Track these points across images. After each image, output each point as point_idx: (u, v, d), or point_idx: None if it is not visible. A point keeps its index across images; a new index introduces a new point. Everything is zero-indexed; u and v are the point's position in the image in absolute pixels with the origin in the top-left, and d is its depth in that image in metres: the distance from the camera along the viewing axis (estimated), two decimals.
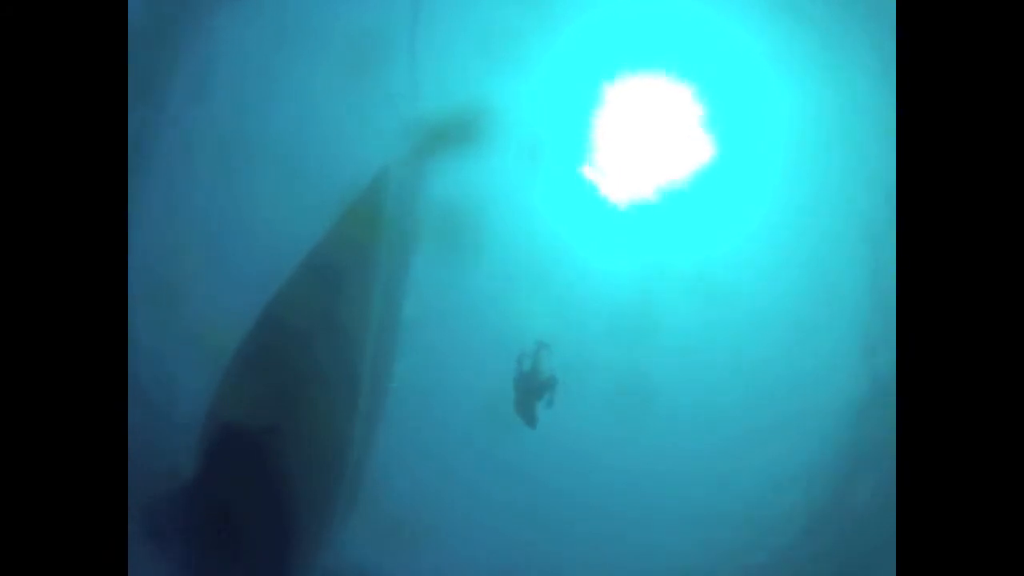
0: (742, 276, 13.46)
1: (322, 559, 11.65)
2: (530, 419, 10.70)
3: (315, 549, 11.27)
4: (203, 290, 12.15)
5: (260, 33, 12.68)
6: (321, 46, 12.93)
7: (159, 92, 11.97)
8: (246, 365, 10.74)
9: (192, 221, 12.62)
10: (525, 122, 13.66)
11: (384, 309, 11.73)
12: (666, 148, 13.58)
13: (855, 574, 11.26)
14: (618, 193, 13.88)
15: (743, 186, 13.59)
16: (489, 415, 13.10)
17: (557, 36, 13.38)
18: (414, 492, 13.02)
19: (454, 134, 12.06)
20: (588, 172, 13.62)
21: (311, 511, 10.80)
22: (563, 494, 12.04)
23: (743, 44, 13.06)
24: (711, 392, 13.19)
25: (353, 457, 11.26)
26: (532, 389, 10.66)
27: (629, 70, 13.45)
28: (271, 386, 10.52)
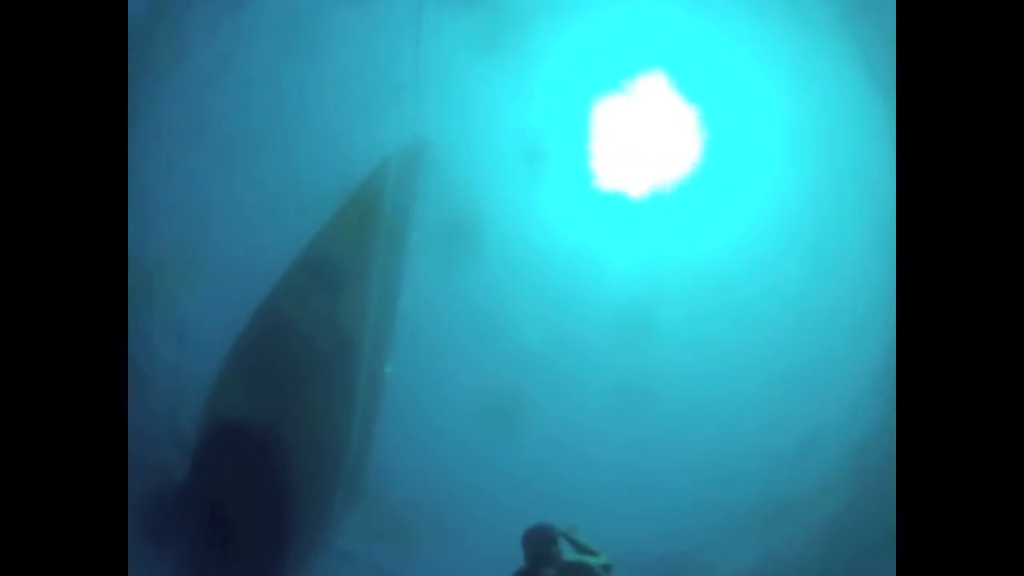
0: (742, 273, 13.46)
1: (320, 556, 11.65)
2: None
3: (313, 546, 11.27)
4: (201, 284, 12.13)
5: (262, 29, 12.66)
6: (322, 42, 12.91)
7: (159, 87, 11.94)
8: (243, 360, 10.72)
9: (190, 214, 12.61)
10: (524, 121, 13.66)
11: (381, 304, 11.71)
12: (665, 146, 13.59)
13: (857, 571, 11.27)
14: (618, 190, 13.88)
15: (742, 182, 13.60)
16: (488, 413, 13.10)
17: (559, 36, 13.39)
18: (413, 490, 13.02)
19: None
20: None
21: (309, 508, 10.79)
22: (562, 493, 12.04)
23: (742, 42, 13.06)
24: (712, 389, 13.18)
25: (351, 454, 11.25)
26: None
27: (628, 70, 13.45)
28: (268, 380, 10.50)
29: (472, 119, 13.43)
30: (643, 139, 13.61)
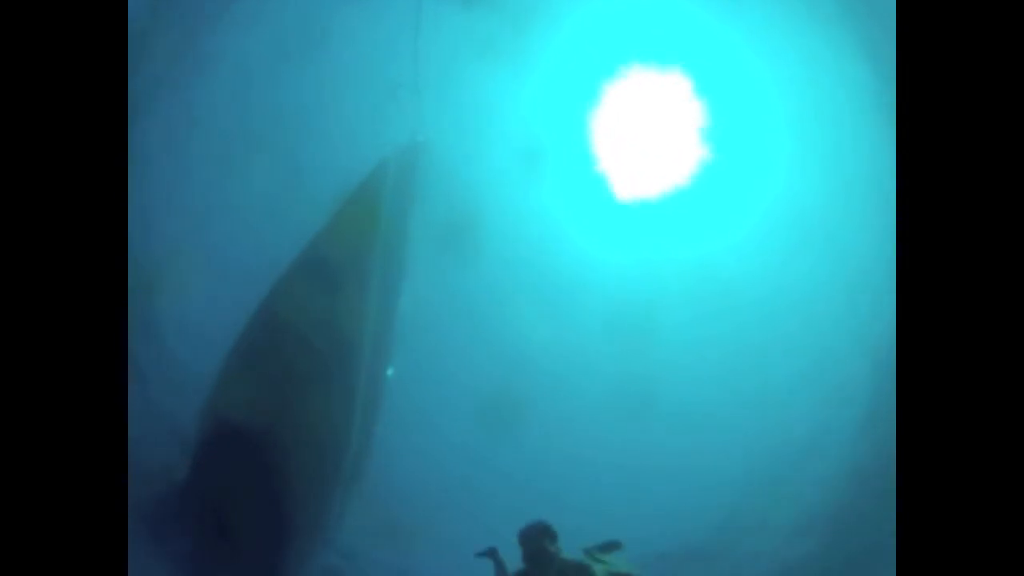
0: (744, 275, 13.45)
1: (319, 555, 11.64)
2: None
3: (312, 545, 11.26)
4: (201, 284, 12.13)
5: (261, 29, 12.66)
6: (322, 42, 12.92)
7: (159, 87, 11.95)
8: (243, 360, 10.70)
9: (190, 213, 12.61)
10: (524, 121, 13.66)
11: (380, 304, 11.70)
12: (668, 145, 13.54)
13: (855, 570, 11.28)
14: (619, 190, 13.86)
15: (743, 182, 13.58)
16: (487, 413, 13.10)
17: (557, 35, 13.37)
18: (412, 490, 13.01)
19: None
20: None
21: (309, 508, 10.78)
22: (560, 492, 12.04)
23: (744, 40, 13.01)
24: (711, 390, 13.17)
25: (351, 454, 11.24)
26: None
27: (631, 67, 13.41)
28: (268, 380, 10.47)
29: (471, 119, 13.43)
30: (644, 138, 13.58)
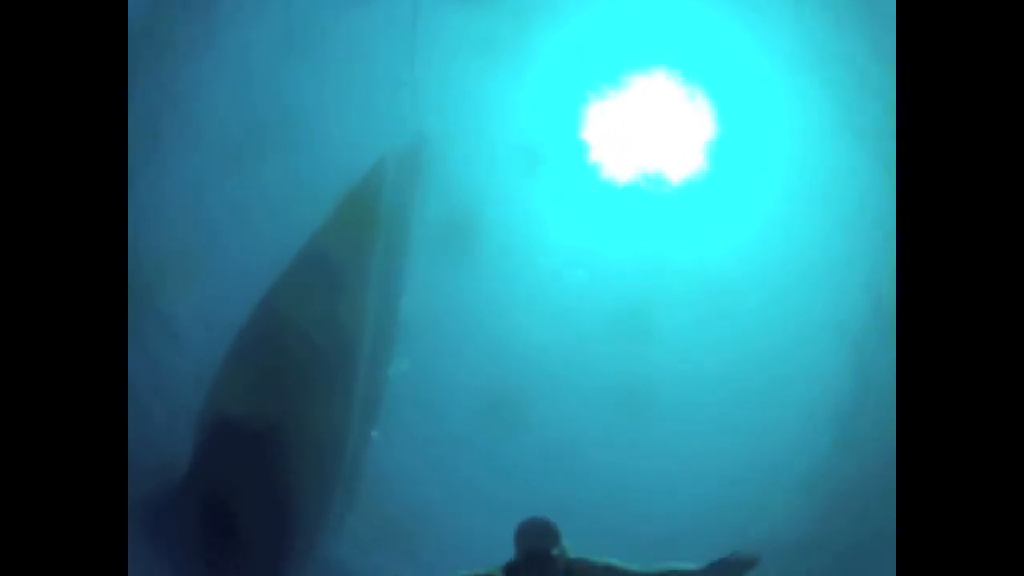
0: (742, 273, 13.44)
1: (319, 555, 11.64)
2: None
3: (312, 545, 11.26)
4: (200, 284, 12.13)
5: (262, 27, 12.65)
6: (321, 41, 12.91)
7: (161, 83, 11.94)
8: (242, 358, 10.71)
9: (190, 210, 12.61)
10: (524, 119, 13.64)
11: (381, 301, 11.71)
12: (668, 145, 13.51)
13: (855, 569, 11.29)
14: (619, 190, 13.84)
15: (744, 184, 13.55)
16: (488, 413, 13.11)
17: (558, 32, 13.35)
18: (411, 490, 13.02)
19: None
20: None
21: (309, 507, 10.79)
22: (560, 493, 12.05)
23: (749, 39, 12.97)
24: (709, 391, 13.17)
25: (351, 452, 11.25)
26: None
27: (632, 65, 13.38)
28: (268, 377, 10.48)
29: (471, 116, 13.42)
30: (645, 138, 13.56)
